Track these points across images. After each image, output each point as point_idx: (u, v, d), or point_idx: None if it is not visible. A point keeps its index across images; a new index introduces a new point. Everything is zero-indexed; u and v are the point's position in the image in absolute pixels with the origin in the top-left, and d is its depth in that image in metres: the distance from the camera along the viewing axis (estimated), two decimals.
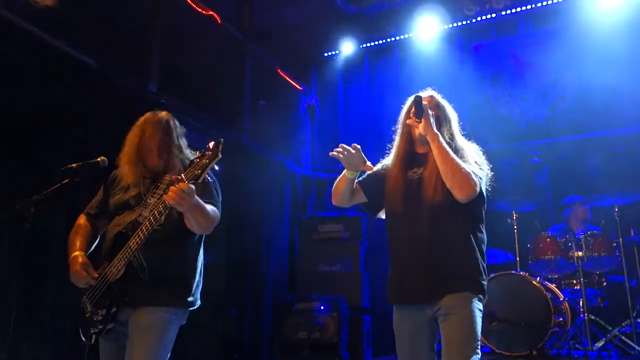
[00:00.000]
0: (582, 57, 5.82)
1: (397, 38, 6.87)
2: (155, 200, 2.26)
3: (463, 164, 2.23)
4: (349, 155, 2.33)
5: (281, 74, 6.61)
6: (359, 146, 2.35)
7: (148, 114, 2.50)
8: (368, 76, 7.04)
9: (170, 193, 2.04)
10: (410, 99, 2.43)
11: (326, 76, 7.23)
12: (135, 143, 2.42)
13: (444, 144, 2.25)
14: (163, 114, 2.50)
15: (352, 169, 2.37)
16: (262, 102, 5.98)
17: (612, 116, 5.46)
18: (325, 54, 7.26)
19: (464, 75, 6.34)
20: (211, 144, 2.08)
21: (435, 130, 2.27)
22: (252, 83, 5.84)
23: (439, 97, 2.48)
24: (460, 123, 2.47)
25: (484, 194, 2.31)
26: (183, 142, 2.47)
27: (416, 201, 2.30)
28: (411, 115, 2.35)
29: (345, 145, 2.34)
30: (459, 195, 2.20)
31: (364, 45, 7.06)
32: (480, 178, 2.27)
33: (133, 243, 2.20)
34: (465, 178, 2.19)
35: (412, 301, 2.29)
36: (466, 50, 6.51)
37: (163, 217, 2.20)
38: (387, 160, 2.54)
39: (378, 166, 2.55)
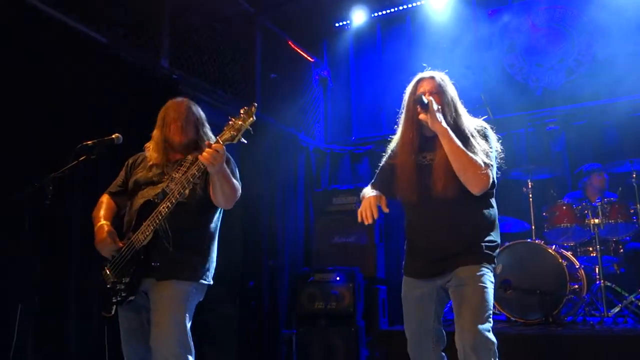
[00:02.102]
0: (598, 21, 5.67)
1: (410, 6, 6.71)
2: (181, 174, 2.34)
3: (474, 157, 2.22)
4: None
5: (292, 46, 6.53)
6: None
7: (171, 100, 2.62)
8: (380, 46, 6.92)
9: (205, 153, 2.16)
10: (414, 80, 2.43)
11: (338, 47, 7.11)
12: (160, 127, 2.55)
13: (454, 138, 2.24)
14: (184, 99, 2.65)
15: None
16: (273, 75, 5.93)
17: (630, 81, 5.33)
18: (337, 25, 7.12)
19: (479, 42, 6.19)
20: (244, 108, 2.20)
21: (444, 125, 2.26)
22: (263, 56, 5.79)
23: (440, 77, 2.41)
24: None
25: (495, 179, 2.32)
26: (205, 125, 2.60)
27: (428, 190, 2.31)
28: (418, 110, 2.32)
29: None
30: (473, 190, 2.24)
31: (376, 15, 6.90)
32: (492, 165, 2.27)
33: (163, 207, 2.29)
34: (478, 174, 2.21)
35: (425, 277, 2.34)
36: (481, 16, 6.34)
37: (194, 183, 2.31)
38: (393, 144, 2.51)
39: (386, 155, 2.54)
